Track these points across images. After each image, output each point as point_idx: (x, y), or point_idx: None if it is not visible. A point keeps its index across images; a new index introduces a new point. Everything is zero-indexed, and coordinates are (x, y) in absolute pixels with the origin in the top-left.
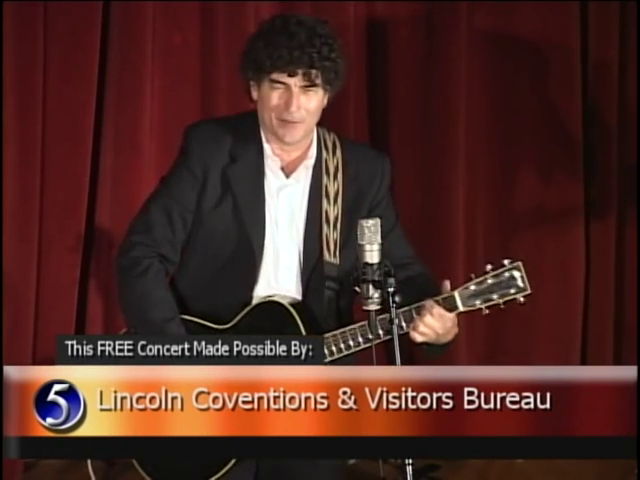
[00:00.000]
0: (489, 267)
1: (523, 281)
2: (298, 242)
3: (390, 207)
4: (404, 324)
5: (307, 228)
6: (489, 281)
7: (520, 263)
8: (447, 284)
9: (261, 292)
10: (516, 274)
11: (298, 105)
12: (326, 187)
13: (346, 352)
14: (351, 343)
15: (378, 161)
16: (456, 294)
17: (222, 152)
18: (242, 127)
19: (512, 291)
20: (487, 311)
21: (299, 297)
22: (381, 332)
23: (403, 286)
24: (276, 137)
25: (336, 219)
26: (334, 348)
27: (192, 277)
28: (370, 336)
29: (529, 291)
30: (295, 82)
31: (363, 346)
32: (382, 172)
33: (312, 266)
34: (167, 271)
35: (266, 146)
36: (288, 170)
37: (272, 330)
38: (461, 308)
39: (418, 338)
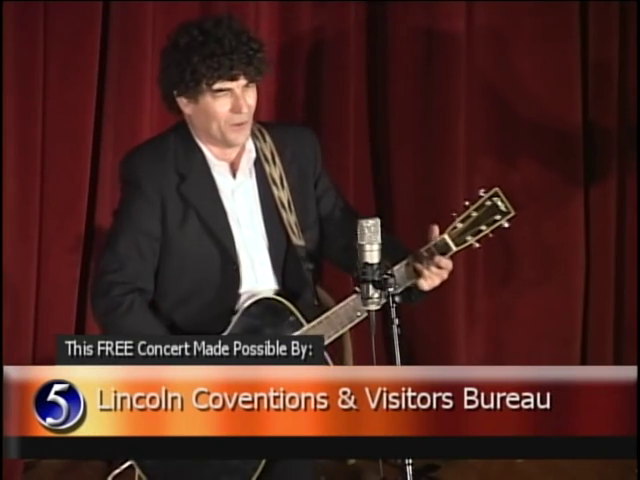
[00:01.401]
0: (467, 203)
1: (505, 205)
2: (262, 234)
3: (329, 177)
4: (399, 280)
5: (265, 218)
6: (474, 214)
7: (498, 189)
8: (435, 229)
9: (247, 290)
10: (497, 200)
11: (247, 105)
12: (271, 174)
13: (334, 336)
14: (338, 327)
15: (307, 136)
16: (446, 236)
17: (169, 172)
18: (177, 141)
19: (497, 217)
20: (477, 244)
21: (278, 286)
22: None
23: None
24: (224, 143)
25: (289, 202)
26: (332, 331)
27: (173, 298)
28: (358, 313)
29: (513, 213)
30: (237, 84)
31: (348, 326)
32: (314, 145)
33: (284, 253)
34: (147, 300)
35: (208, 154)
36: (233, 170)
37: (270, 327)
38: (454, 248)
39: (426, 287)
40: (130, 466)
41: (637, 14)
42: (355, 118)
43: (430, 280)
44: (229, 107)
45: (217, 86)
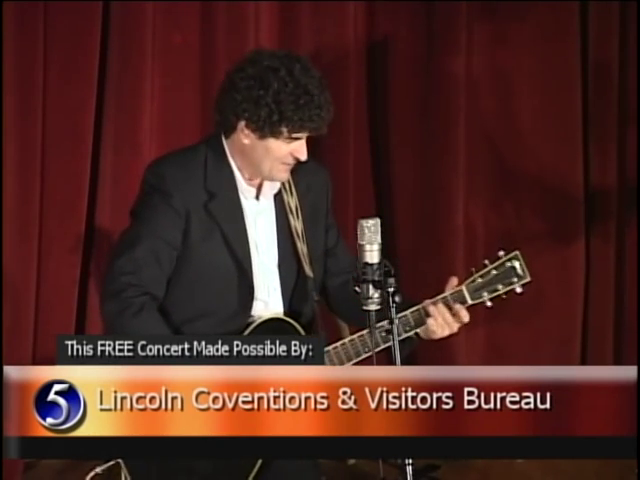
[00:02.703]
0: (487, 261)
1: (523, 270)
2: (275, 262)
3: (332, 215)
4: (412, 323)
5: (280, 246)
6: (493, 272)
7: (518, 252)
8: (454, 280)
9: (257, 315)
10: (516, 264)
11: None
12: (289, 203)
13: (348, 363)
14: (352, 354)
15: (321, 172)
16: (464, 288)
17: (199, 189)
18: (210, 157)
19: (514, 280)
20: (490, 303)
21: (285, 311)
22: (380, 339)
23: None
24: (267, 178)
25: (303, 233)
26: (336, 361)
27: (185, 313)
28: (367, 349)
29: (529, 279)
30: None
31: (364, 356)
32: (327, 182)
33: (294, 282)
34: (157, 306)
35: (238, 176)
36: (257, 194)
37: None
38: (470, 302)
39: (434, 336)
40: (113, 466)
41: (637, 14)
42: (355, 118)
43: (441, 328)
44: (291, 150)
45: (298, 135)
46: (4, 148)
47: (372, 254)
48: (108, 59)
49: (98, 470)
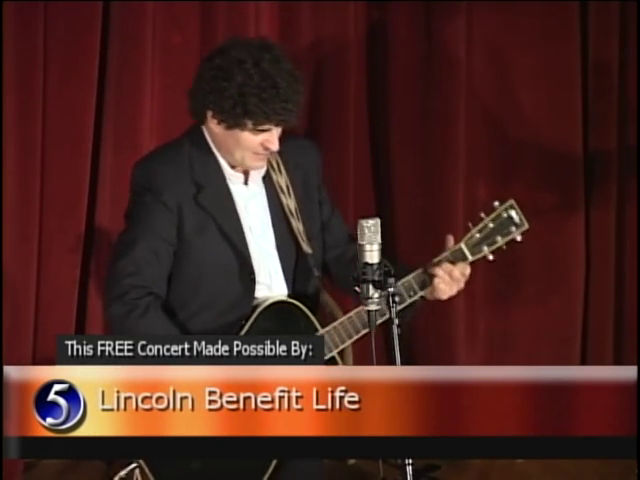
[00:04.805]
0: (483, 214)
1: (520, 218)
2: (273, 243)
3: (326, 191)
4: (416, 287)
5: (275, 226)
6: (490, 225)
7: (513, 201)
8: (451, 238)
9: (261, 300)
10: (512, 213)
11: (278, 141)
12: (278, 182)
13: (348, 342)
14: (352, 332)
15: (311, 148)
16: (462, 245)
17: (186, 181)
18: (193, 148)
19: (512, 229)
20: (491, 257)
21: (289, 292)
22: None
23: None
24: (242, 166)
25: (297, 211)
26: (337, 339)
27: (191, 307)
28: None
29: (527, 226)
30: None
31: (362, 332)
32: (317, 158)
33: (294, 261)
34: (161, 303)
35: (223, 164)
36: (245, 179)
37: (284, 330)
38: (470, 258)
39: (443, 296)
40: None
41: (637, 14)
42: (355, 118)
43: (449, 286)
44: (261, 141)
45: (263, 127)
46: (4, 148)
47: (372, 254)
48: (108, 59)
49: (122, 474)
